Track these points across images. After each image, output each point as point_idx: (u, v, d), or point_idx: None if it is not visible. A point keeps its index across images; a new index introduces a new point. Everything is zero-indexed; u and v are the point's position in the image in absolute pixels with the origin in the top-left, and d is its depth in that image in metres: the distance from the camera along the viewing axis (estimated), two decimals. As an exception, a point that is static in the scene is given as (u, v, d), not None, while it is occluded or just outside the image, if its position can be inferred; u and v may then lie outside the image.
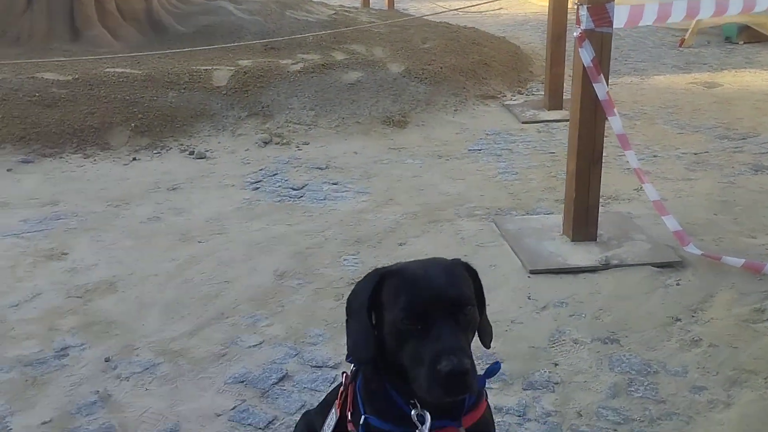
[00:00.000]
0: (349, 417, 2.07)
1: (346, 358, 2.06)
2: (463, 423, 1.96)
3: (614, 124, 4.46)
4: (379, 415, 1.98)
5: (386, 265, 2.04)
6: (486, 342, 2.07)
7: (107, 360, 3.63)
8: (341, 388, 2.19)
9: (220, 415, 3.21)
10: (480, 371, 1.96)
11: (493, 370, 2.08)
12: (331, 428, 2.19)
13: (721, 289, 4.13)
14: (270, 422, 3.15)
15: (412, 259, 2.04)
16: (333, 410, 2.20)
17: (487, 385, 2.13)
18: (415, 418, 1.91)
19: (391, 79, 8.10)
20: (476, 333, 1.98)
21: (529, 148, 6.86)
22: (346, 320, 2.01)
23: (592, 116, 4.50)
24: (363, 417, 1.99)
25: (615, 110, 4.49)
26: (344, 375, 2.19)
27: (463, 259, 2.02)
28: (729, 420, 3.07)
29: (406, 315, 1.81)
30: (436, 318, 1.80)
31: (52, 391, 3.39)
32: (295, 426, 2.59)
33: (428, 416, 1.90)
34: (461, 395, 1.84)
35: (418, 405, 1.91)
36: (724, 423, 3.05)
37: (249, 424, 3.15)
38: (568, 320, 3.90)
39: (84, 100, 7.15)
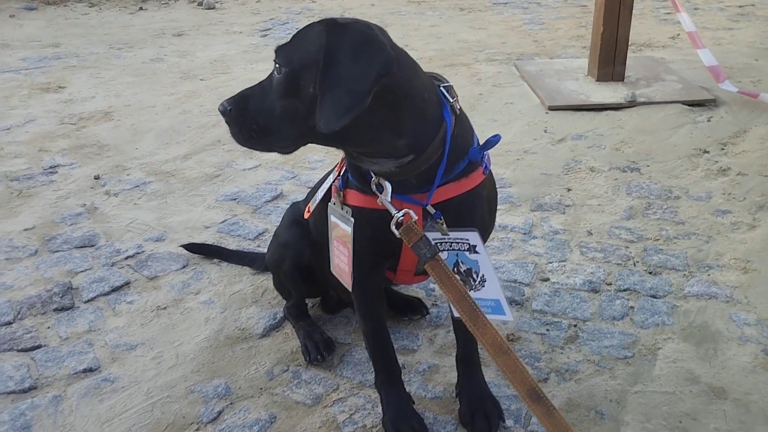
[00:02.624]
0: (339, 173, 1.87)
1: None
2: (433, 198, 1.70)
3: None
4: (354, 174, 1.78)
5: None
6: (318, 120, 1.48)
7: (96, 177, 3.47)
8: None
9: (208, 227, 3.05)
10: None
11: (492, 141, 1.79)
12: (325, 190, 1.99)
13: (756, 124, 3.81)
14: (260, 234, 2.99)
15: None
16: (332, 173, 2.01)
17: (486, 162, 1.87)
18: (373, 186, 1.69)
19: (414, -68, 7.59)
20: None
21: (559, 2, 6.42)
22: None
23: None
24: (343, 170, 1.81)
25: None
26: None
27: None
28: (752, 239, 2.82)
29: None
30: None
31: (38, 203, 3.25)
32: (283, 215, 2.41)
33: (388, 186, 1.67)
34: (236, 141, 1.64)
35: (371, 174, 1.70)
36: (747, 242, 2.81)
37: (238, 235, 2.99)
38: (585, 151, 3.63)
39: (89, -52, 6.82)
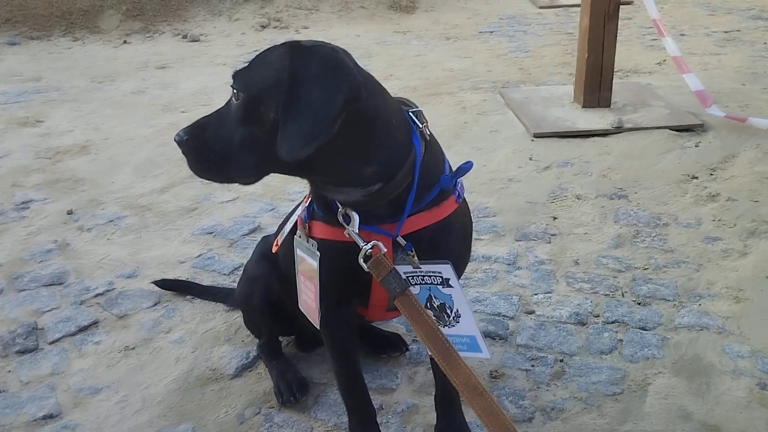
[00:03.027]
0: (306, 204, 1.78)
1: None
2: (404, 228, 1.59)
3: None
4: (319, 204, 1.69)
5: None
6: (279, 148, 1.39)
7: (70, 213, 3.37)
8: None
9: (183, 262, 2.95)
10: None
11: (464, 168, 1.70)
12: (297, 214, 1.90)
13: (744, 149, 3.74)
14: (235, 269, 2.88)
15: None
16: (301, 204, 1.92)
17: (459, 190, 1.78)
18: (340, 218, 1.60)
19: (399, -37, 7.61)
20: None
21: (545, 30, 6.40)
22: None
23: (608, -37, 4.05)
24: (308, 200, 1.72)
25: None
26: None
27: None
28: (744, 266, 2.73)
29: None
30: None
31: (7, 239, 3.14)
32: (254, 248, 2.32)
33: (355, 216, 1.58)
34: (193, 172, 1.56)
35: (338, 204, 1.61)
36: (738, 270, 2.72)
37: (213, 270, 2.89)
38: (572, 178, 3.55)
39: (74, -18, 6.80)
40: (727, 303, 2.52)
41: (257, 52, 1.54)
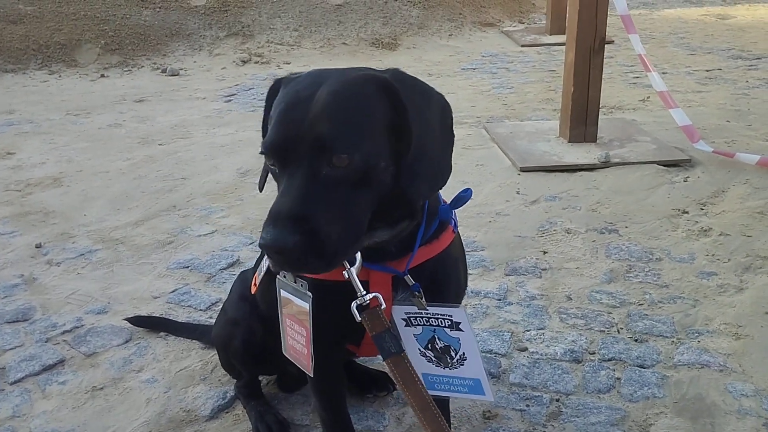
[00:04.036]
0: None
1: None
2: (400, 265, 1.50)
3: (618, 4, 3.99)
4: None
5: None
6: (416, 190, 1.35)
7: (38, 246, 3.22)
8: None
9: (157, 297, 2.80)
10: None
11: (463, 197, 1.58)
12: (266, 268, 1.77)
13: (734, 184, 3.68)
14: (213, 304, 2.74)
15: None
16: None
17: (454, 219, 1.69)
18: None
19: (381, 2, 7.61)
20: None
21: (527, 67, 6.39)
22: None
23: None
24: None
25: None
26: None
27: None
28: (741, 302, 2.64)
29: (264, 148, 1.31)
30: (291, 163, 1.27)
31: (-30, 274, 2.98)
32: (231, 286, 2.18)
33: (358, 256, 1.45)
34: (295, 273, 1.41)
35: None
36: (736, 305, 2.62)
37: (188, 306, 2.74)
38: (560, 212, 3.46)
39: (51, 17, 6.70)
40: (726, 340, 2.42)
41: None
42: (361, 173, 1.26)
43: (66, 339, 2.53)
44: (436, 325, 1.53)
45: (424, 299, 1.50)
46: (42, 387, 2.27)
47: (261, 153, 1.32)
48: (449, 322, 1.52)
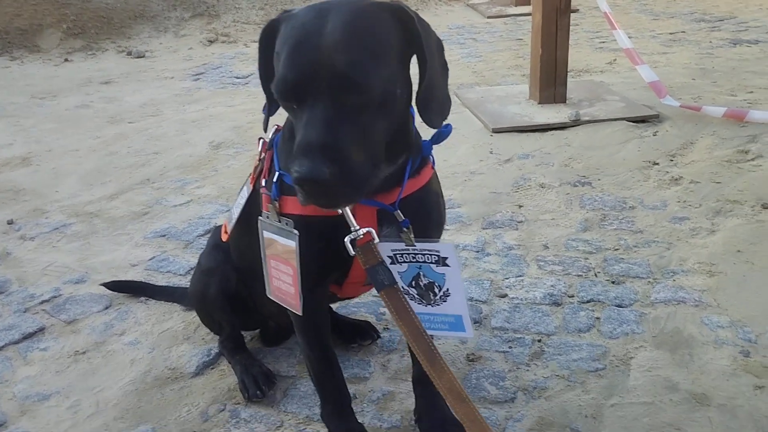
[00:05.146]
0: (263, 184, 1.63)
1: (262, 110, 1.62)
2: (387, 199, 1.51)
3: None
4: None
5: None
6: (431, 118, 1.40)
7: (10, 222, 3.17)
8: (256, 160, 1.77)
9: (135, 265, 2.78)
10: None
11: (444, 133, 1.56)
12: (240, 207, 1.78)
13: (701, 136, 3.75)
14: (192, 268, 2.71)
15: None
16: (245, 186, 1.79)
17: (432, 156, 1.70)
18: None
19: (346, -21, 7.58)
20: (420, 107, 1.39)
21: (494, 37, 6.42)
22: None
23: (557, -42, 4.06)
24: (277, 173, 1.56)
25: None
26: (260, 141, 1.75)
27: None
28: (714, 242, 2.69)
29: (278, 88, 1.28)
30: (312, 97, 1.25)
31: (-59, 252, 2.94)
32: (207, 240, 2.17)
33: None
34: (330, 207, 1.38)
35: None
36: (709, 246, 2.68)
37: (168, 271, 2.73)
38: (534, 169, 3.50)
39: (9, 2, 6.55)
40: (701, 277, 2.47)
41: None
42: (380, 101, 1.27)
43: (45, 308, 2.50)
44: (422, 262, 1.53)
45: (413, 236, 1.50)
46: (23, 354, 2.25)
47: (278, 95, 1.29)
48: (436, 258, 1.53)
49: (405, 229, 1.50)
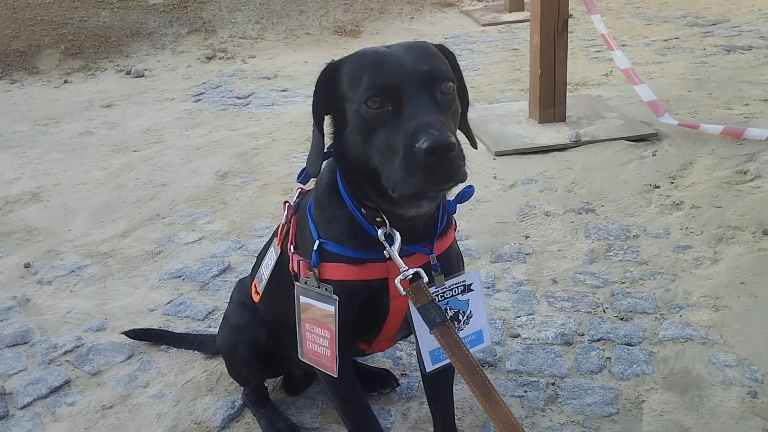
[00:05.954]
0: (292, 250, 1.72)
1: (297, 178, 1.70)
2: (435, 249, 1.63)
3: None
4: (337, 240, 1.62)
5: None
6: (472, 141, 1.71)
7: (27, 266, 3.23)
8: (281, 223, 1.85)
9: (153, 310, 2.84)
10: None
11: (468, 193, 1.70)
12: (270, 268, 1.85)
13: (700, 155, 3.82)
14: (209, 313, 2.79)
15: None
16: (272, 248, 1.86)
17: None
18: (382, 237, 1.55)
19: (341, -12, 7.61)
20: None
21: (490, 47, 6.47)
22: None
23: (554, -19, 4.11)
24: (317, 242, 1.63)
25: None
26: (286, 205, 1.83)
27: None
28: (717, 273, 2.77)
29: (372, 93, 1.39)
30: (409, 95, 1.39)
31: (-39, 300, 2.99)
32: (231, 294, 2.24)
33: (398, 235, 1.56)
34: (449, 182, 1.40)
35: (387, 223, 1.56)
36: (713, 277, 2.75)
37: (186, 316, 2.79)
38: (538, 195, 3.57)
39: (7, 24, 6.58)
40: (706, 312, 2.54)
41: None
42: (455, 101, 1.48)
43: (68, 359, 2.56)
44: (449, 297, 1.68)
45: (443, 276, 1.64)
46: (51, 410, 2.31)
47: (368, 101, 1.41)
48: (462, 288, 1.68)
49: (435, 271, 1.63)
